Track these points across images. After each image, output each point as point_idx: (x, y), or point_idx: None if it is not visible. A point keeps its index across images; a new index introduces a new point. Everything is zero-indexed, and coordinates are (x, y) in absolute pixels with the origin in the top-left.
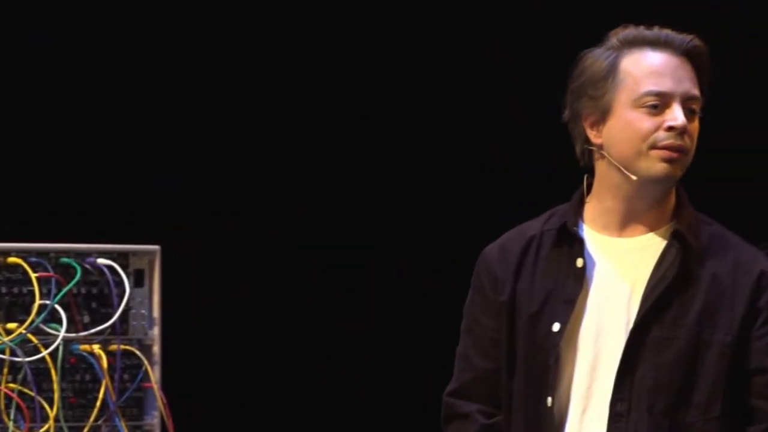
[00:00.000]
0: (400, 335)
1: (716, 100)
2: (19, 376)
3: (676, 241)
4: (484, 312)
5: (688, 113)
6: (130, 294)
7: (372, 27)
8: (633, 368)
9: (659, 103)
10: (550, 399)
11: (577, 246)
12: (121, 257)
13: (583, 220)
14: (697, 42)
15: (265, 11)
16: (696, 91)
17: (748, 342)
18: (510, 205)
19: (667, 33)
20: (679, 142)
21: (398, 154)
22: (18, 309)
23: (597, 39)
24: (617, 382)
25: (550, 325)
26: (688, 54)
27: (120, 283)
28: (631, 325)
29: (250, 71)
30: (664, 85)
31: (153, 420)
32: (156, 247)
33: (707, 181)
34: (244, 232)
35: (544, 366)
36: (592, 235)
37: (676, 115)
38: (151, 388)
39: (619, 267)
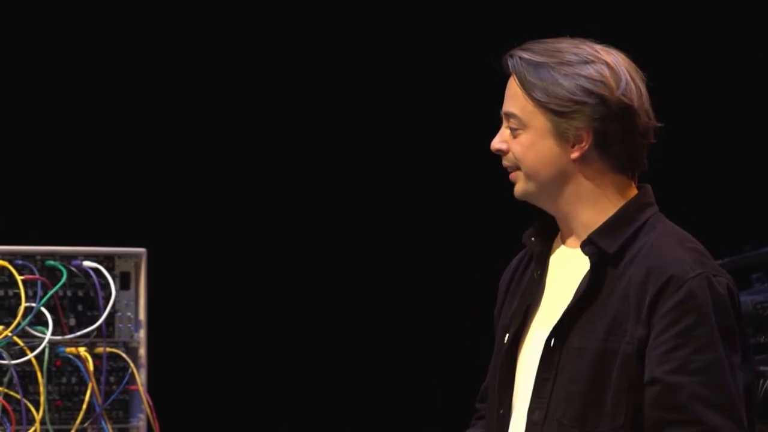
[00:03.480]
0: (401, 335)
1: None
2: (5, 379)
3: (596, 249)
4: (496, 324)
5: (512, 131)
6: (116, 297)
7: (372, 27)
8: (551, 377)
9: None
10: (501, 409)
11: (540, 256)
12: (107, 260)
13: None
14: (516, 54)
15: (263, 11)
16: (510, 109)
17: (644, 352)
18: (510, 206)
19: (511, 53)
20: (504, 163)
21: (399, 155)
22: (4, 312)
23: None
24: (534, 392)
25: (507, 336)
26: (513, 70)
27: (106, 286)
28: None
29: (247, 72)
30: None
31: (139, 422)
32: (142, 250)
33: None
34: (232, 235)
35: (501, 376)
36: (555, 246)
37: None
38: (137, 390)
39: (562, 277)
